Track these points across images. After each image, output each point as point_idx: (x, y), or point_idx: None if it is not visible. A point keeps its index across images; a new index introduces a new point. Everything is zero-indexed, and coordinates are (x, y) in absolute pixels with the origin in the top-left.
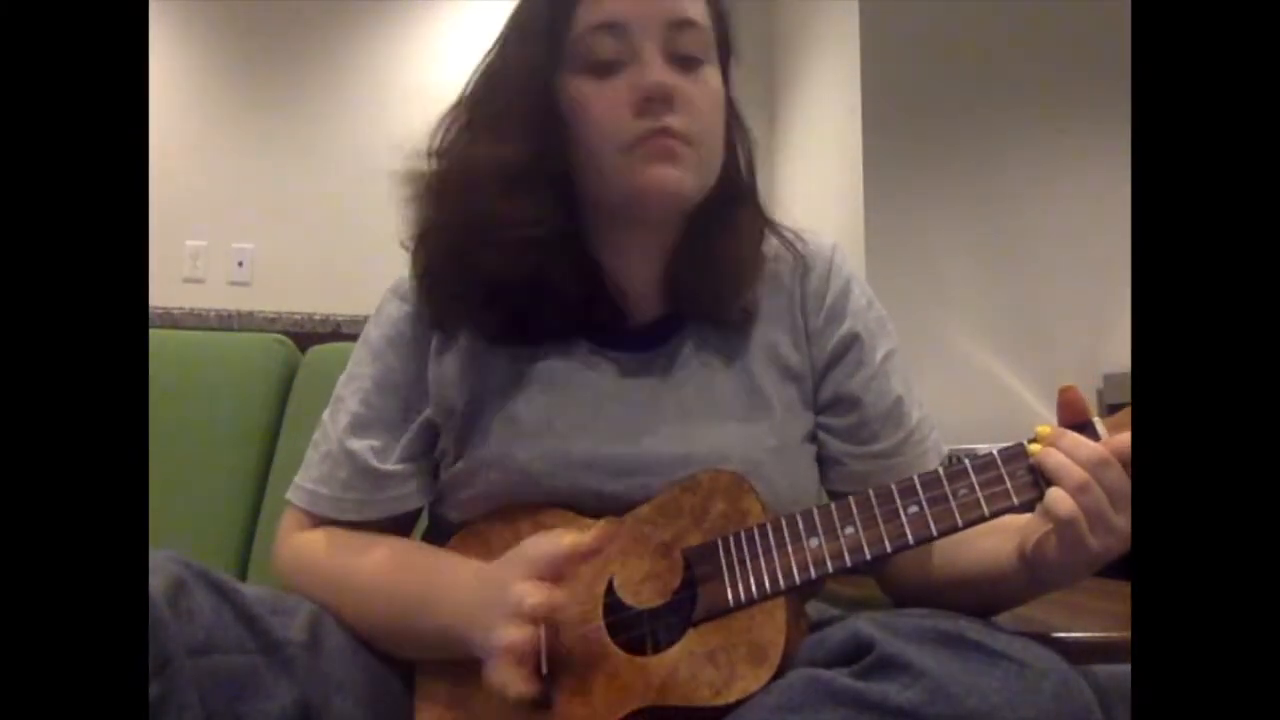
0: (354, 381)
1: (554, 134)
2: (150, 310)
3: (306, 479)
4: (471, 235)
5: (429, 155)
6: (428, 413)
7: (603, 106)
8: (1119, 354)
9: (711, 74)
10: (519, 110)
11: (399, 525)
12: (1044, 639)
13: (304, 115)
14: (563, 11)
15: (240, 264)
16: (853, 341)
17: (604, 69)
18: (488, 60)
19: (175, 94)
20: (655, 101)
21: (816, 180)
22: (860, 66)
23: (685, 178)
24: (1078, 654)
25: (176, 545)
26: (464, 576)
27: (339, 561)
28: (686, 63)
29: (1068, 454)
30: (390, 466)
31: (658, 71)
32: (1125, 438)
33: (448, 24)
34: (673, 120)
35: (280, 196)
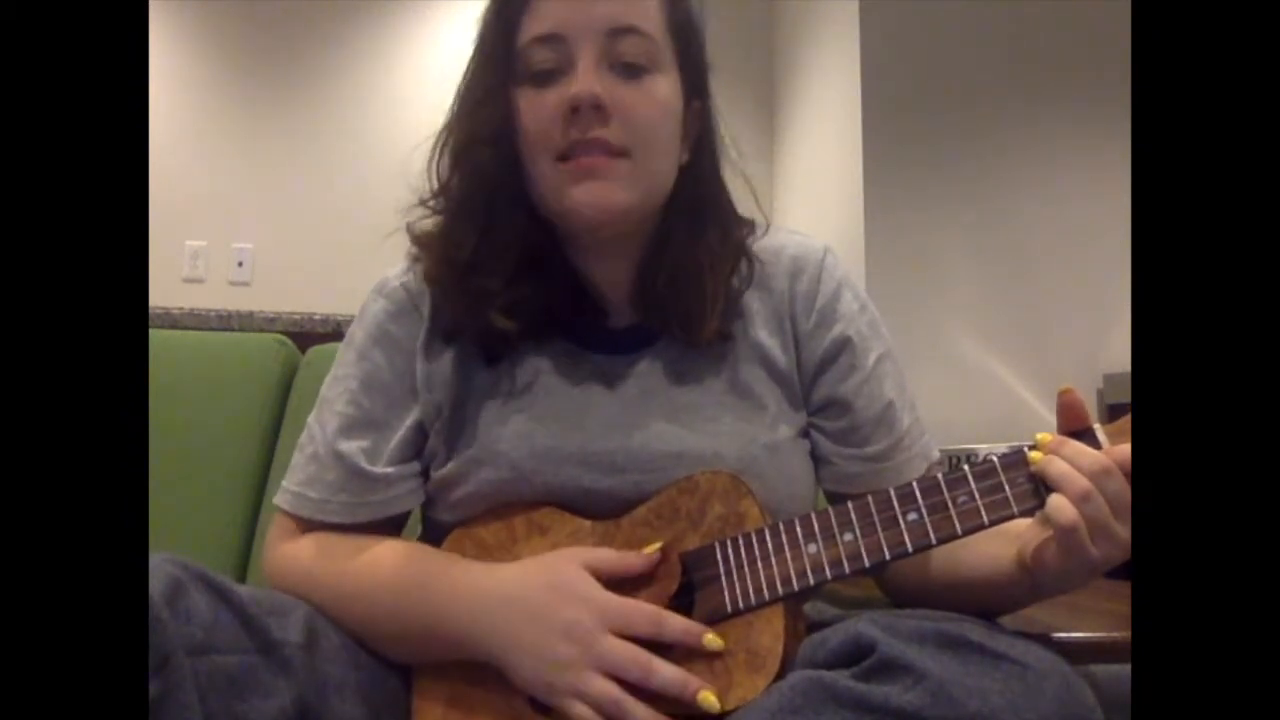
0: (340, 383)
1: (509, 149)
2: (150, 310)
3: (292, 482)
4: (456, 270)
5: (428, 174)
6: (416, 413)
7: (537, 116)
8: (1119, 354)
9: (658, 83)
10: (485, 130)
11: (386, 530)
12: (1045, 640)
13: (304, 115)
14: (509, 25)
15: (240, 264)
16: (844, 345)
17: (543, 79)
18: (462, 80)
19: (176, 94)
20: (584, 111)
21: (816, 180)
22: (860, 66)
23: (615, 192)
24: (1078, 654)
25: (176, 545)
26: (502, 591)
27: (334, 567)
28: (629, 70)
29: (1070, 462)
30: (380, 469)
31: (588, 81)
32: (1128, 448)
33: (446, 25)
34: (603, 131)
35: (280, 196)
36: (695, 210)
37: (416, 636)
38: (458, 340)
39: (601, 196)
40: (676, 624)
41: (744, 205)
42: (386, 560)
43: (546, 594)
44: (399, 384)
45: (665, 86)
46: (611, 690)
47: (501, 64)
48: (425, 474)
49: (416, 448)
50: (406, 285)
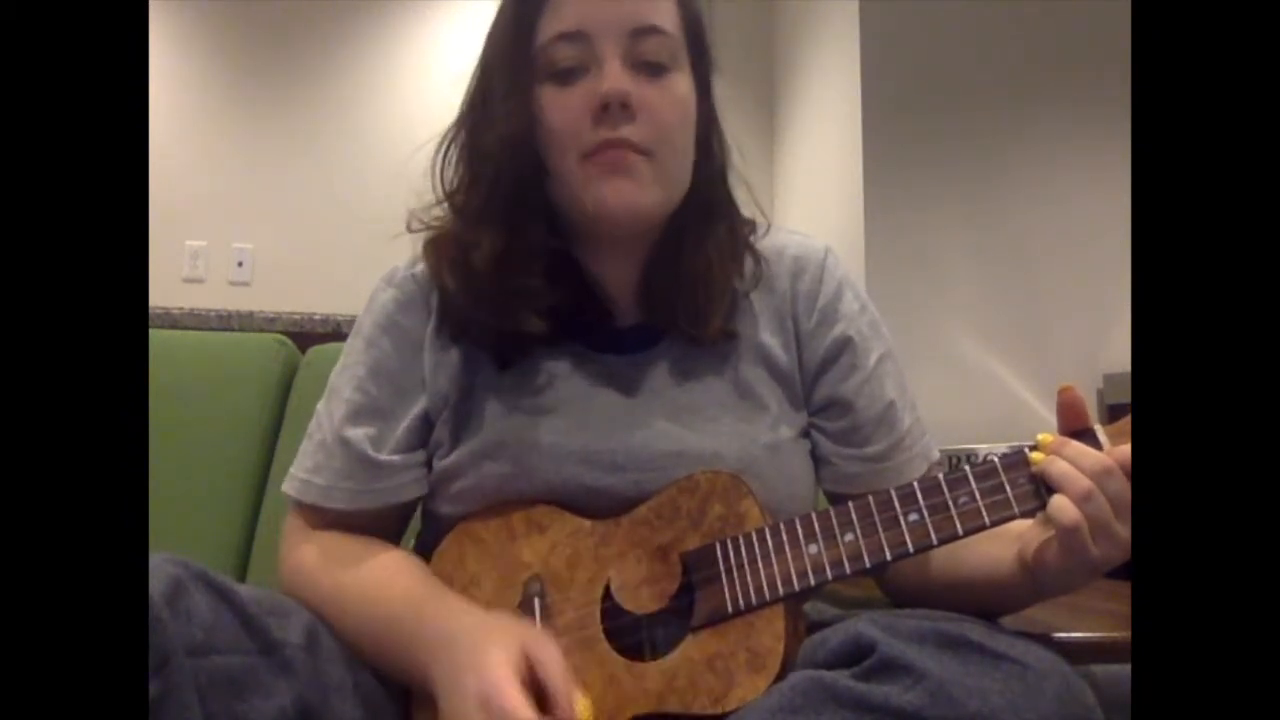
0: (348, 370)
1: (531, 148)
2: (150, 310)
3: (300, 469)
4: (490, 271)
5: (434, 176)
6: (422, 402)
7: (562, 114)
8: (1119, 354)
9: (679, 81)
10: (509, 130)
11: (393, 518)
12: (1045, 640)
13: (304, 115)
14: (528, 22)
15: (240, 264)
16: (845, 345)
17: (566, 76)
18: (473, 77)
19: (175, 94)
20: (613, 109)
21: (816, 180)
22: (860, 66)
23: (642, 191)
24: (1078, 654)
25: (176, 545)
26: (452, 643)
27: (334, 579)
28: (651, 69)
29: (1072, 462)
30: (386, 456)
31: (616, 79)
32: (1129, 448)
33: (447, 24)
34: (630, 130)
35: (280, 196)
36: (704, 209)
37: (407, 672)
38: (465, 335)
39: (628, 195)
40: None
41: (744, 207)
42: (381, 591)
43: (462, 666)
44: (406, 373)
45: (684, 86)
46: None
47: (521, 62)
48: (429, 464)
49: (422, 437)
50: (416, 277)
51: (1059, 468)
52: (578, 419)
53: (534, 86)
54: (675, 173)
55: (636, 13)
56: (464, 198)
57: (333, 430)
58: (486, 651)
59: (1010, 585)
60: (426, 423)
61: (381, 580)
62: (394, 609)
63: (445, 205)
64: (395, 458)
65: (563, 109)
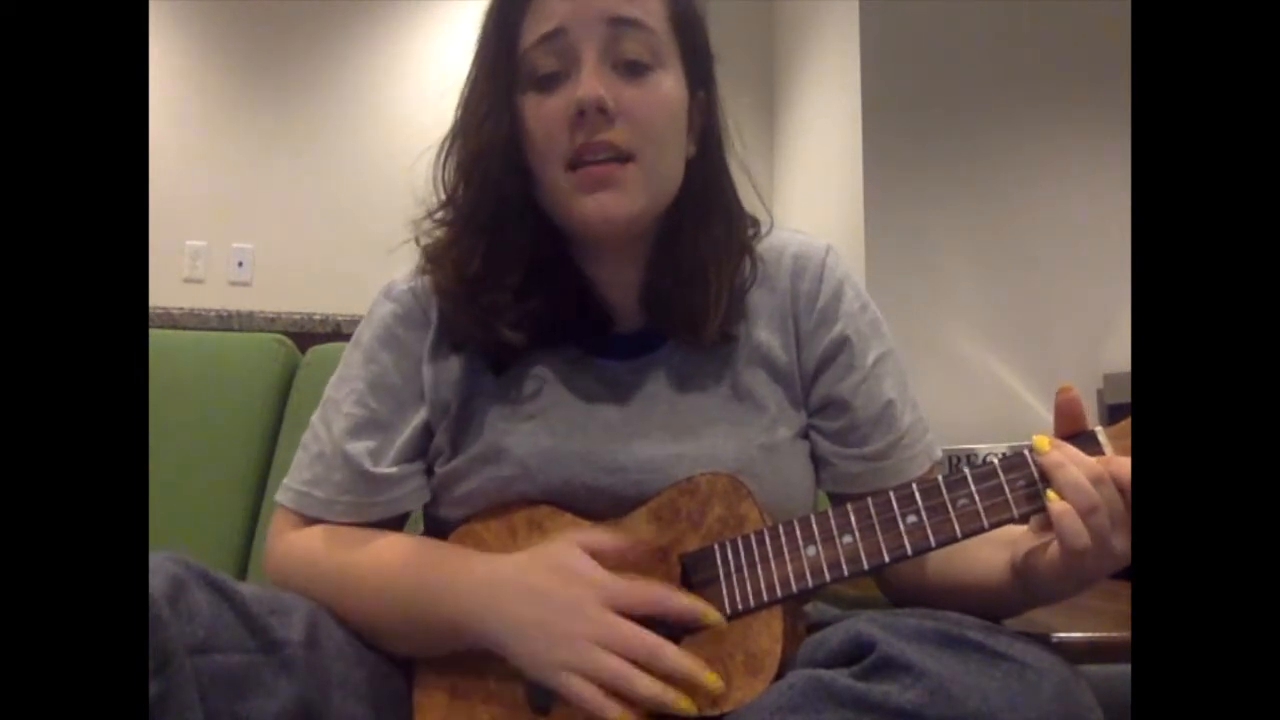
0: (347, 384)
1: (516, 157)
2: (150, 310)
3: (297, 480)
4: (465, 283)
5: (435, 185)
6: (423, 414)
7: (543, 123)
8: (1119, 354)
9: (662, 80)
10: (492, 141)
11: (388, 527)
12: (1045, 640)
13: (304, 115)
14: (511, 30)
15: (240, 264)
16: (844, 344)
17: (547, 83)
18: (464, 88)
19: (176, 94)
20: (590, 115)
21: (816, 180)
22: (860, 66)
23: (625, 201)
24: (1077, 654)
25: (176, 545)
26: (504, 576)
27: (338, 557)
28: (632, 68)
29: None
30: (385, 469)
31: (591, 84)
32: (1123, 461)
33: (446, 24)
34: (611, 135)
35: (280, 196)
36: (702, 203)
37: (418, 626)
38: (465, 346)
39: (611, 207)
40: (679, 600)
41: (746, 200)
42: (389, 552)
43: (549, 576)
44: (406, 386)
45: (669, 83)
46: (618, 664)
47: (504, 71)
48: (429, 472)
49: (421, 448)
50: (414, 290)
51: (1069, 474)
52: (579, 424)
53: (517, 94)
54: (661, 174)
55: (616, 4)
56: (452, 206)
57: (332, 443)
58: (569, 564)
59: (1003, 590)
60: (426, 434)
61: (386, 549)
62: (416, 571)
63: (443, 213)
64: (394, 469)
65: (544, 118)
